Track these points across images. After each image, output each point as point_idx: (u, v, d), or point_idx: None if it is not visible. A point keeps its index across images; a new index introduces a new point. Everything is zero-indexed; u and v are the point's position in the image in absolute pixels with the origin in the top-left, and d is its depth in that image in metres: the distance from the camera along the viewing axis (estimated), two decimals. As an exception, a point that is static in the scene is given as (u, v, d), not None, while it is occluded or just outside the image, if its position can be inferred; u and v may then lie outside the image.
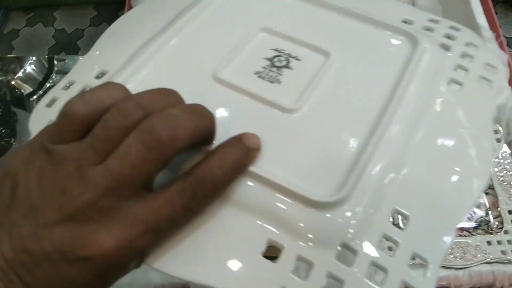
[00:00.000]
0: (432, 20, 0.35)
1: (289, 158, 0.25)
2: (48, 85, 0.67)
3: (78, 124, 0.20)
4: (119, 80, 0.28)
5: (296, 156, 0.25)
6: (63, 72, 0.70)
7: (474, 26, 0.44)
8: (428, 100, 0.28)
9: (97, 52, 0.32)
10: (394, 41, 0.31)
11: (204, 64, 0.29)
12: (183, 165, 0.23)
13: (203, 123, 0.22)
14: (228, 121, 0.26)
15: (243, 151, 0.23)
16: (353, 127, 0.26)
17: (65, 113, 0.20)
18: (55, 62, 0.70)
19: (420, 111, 0.27)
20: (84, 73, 0.30)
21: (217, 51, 0.30)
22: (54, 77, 0.69)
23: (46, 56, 0.70)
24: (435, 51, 0.31)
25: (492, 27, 0.44)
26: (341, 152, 0.25)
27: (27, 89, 0.68)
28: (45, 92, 0.67)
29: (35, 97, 0.67)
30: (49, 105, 0.29)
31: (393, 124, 0.26)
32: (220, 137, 0.23)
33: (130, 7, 0.48)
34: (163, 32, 0.32)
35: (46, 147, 0.20)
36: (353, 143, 0.25)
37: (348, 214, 0.22)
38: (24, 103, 0.66)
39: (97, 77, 0.30)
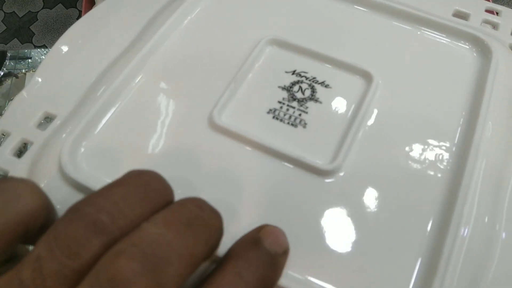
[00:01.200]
0: (490, 11, 0.26)
1: (331, 255, 0.17)
2: (1, 73, 0.58)
3: None
4: (72, 134, 0.19)
5: (340, 250, 0.17)
6: (18, 58, 0.61)
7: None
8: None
9: (41, 83, 0.23)
10: (455, 50, 0.23)
11: (195, 101, 0.20)
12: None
13: (205, 242, 0.13)
14: (232, 191, 0.18)
15: (268, 262, 0.14)
16: (424, 199, 0.18)
17: None
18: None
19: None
20: (21, 118, 0.21)
21: (210, 79, 0.21)
22: (7, 63, 0.60)
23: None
24: (509, 60, 0.23)
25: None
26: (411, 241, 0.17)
27: (-23, 81, 0.59)
28: (0, 82, 0.57)
29: (-13, 90, 0.58)
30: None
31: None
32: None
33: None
34: (136, 49, 0.23)
35: None
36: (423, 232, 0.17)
37: None
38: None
39: (40, 125, 0.21)
